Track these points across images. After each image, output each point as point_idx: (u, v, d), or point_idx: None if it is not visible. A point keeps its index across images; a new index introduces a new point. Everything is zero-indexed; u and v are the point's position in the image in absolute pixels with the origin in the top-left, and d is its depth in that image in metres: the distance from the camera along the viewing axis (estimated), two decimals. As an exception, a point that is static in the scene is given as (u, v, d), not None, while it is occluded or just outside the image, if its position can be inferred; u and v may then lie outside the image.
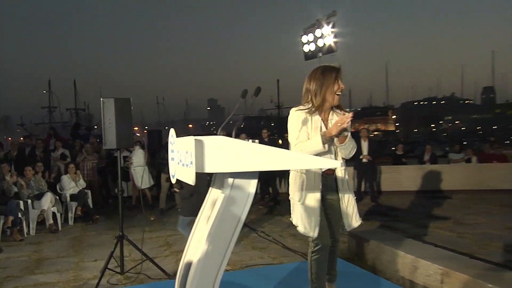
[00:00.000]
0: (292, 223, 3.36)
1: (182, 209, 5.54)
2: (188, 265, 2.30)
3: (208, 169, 1.95)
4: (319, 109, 3.20)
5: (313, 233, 3.21)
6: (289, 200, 3.37)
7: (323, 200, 3.26)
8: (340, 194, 3.33)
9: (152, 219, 8.44)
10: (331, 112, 3.30)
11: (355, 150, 3.24)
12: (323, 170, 3.21)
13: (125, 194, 10.37)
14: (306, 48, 8.06)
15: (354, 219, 3.36)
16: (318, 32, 7.77)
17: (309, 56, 8.00)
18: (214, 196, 2.31)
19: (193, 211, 5.48)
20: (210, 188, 2.42)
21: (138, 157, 9.64)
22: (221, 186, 2.21)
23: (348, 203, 3.34)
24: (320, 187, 3.22)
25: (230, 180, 2.10)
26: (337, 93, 3.17)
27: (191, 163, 1.92)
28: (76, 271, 5.43)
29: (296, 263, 5.18)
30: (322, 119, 3.24)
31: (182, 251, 6.11)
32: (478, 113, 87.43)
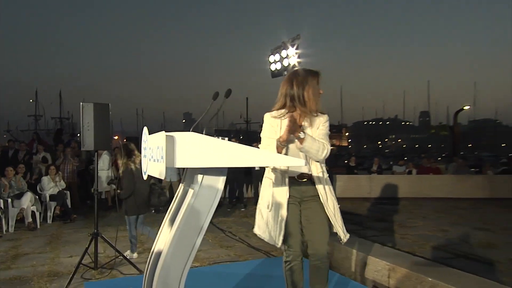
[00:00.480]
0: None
1: (126, 209, 5.37)
2: (157, 258, 2.13)
3: (178, 164, 1.79)
4: (302, 113, 2.72)
5: (278, 241, 2.69)
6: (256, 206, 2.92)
7: (293, 207, 2.73)
8: (322, 200, 2.70)
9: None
10: (308, 117, 2.74)
11: (326, 151, 2.60)
12: (297, 174, 2.72)
13: (102, 196, 10.10)
14: (273, 67, 8.08)
15: (342, 233, 2.79)
16: (284, 53, 7.84)
17: (275, 74, 8.01)
18: (184, 192, 2.16)
19: (136, 210, 5.35)
20: (180, 184, 2.26)
21: (103, 162, 9.44)
22: (190, 182, 2.07)
23: (335, 211, 2.75)
24: (288, 193, 2.70)
25: (200, 176, 1.96)
26: (318, 97, 2.76)
27: (162, 158, 1.77)
28: (51, 266, 5.16)
29: (259, 260, 5.12)
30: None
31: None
32: (416, 133, 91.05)
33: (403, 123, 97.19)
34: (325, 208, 2.70)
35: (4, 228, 7.06)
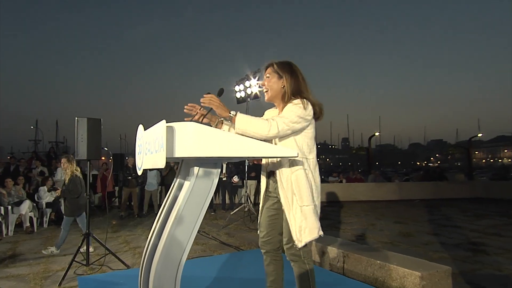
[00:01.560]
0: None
1: (70, 211, 4.95)
2: (153, 250, 1.75)
3: (178, 154, 1.44)
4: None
5: (259, 231, 2.22)
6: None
7: (269, 201, 2.18)
8: (282, 200, 2.01)
9: (113, 222, 7.57)
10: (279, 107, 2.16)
11: (269, 128, 1.80)
12: (270, 170, 2.13)
13: (92, 204, 9.32)
14: (238, 95, 7.88)
15: (304, 233, 1.92)
16: (247, 83, 7.69)
17: (240, 101, 7.83)
18: (179, 185, 1.80)
19: (74, 212, 4.89)
20: (175, 179, 1.88)
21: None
22: (186, 175, 1.72)
23: (294, 214, 1.95)
24: (265, 187, 2.19)
25: (196, 168, 1.62)
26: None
27: (162, 147, 1.43)
28: (46, 264, 4.51)
29: (230, 254, 4.79)
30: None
31: (139, 247, 5.46)
32: (339, 154, 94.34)
33: (330, 146, 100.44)
34: (284, 210, 2.01)
35: (4, 232, 6.28)
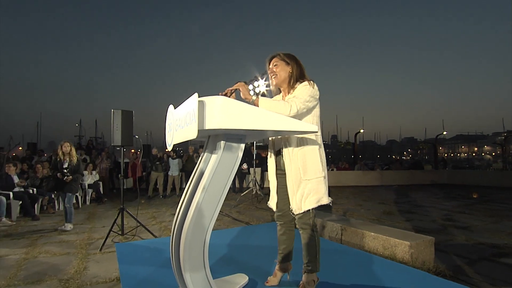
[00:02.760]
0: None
1: (72, 188, 4.67)
2: (182, 219, 1.61)
3: (208, 126, 1.28)
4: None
5: (272, 206, 2.09)
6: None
7: (280, 177, 2.03)
8: (287, 175, 1.92)
9: (142, 201, 7.49)
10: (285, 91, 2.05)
11: (289, 108, 1.70)
12: (278, 148, 2.00)
13: (125, 187, 9.25)
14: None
15: (302, 202, 1.86)
16: (256, 83, 7.48)
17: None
18: (207, 158, 1.65)
19: (77, 189, 4.71)
20: (203, 152, 1.72)
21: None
22: (213, 149, 1.58)
23: (295, 185, 1.87)
24: (274, 165, 2.04)
25: (223, 143, 1.48)
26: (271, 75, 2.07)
27: (194, 119, 1.27)
28: (89, 234, 4.46)
29: (241, 227, 4.68)
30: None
31: (164, 221, 5.37)
32: (329, 149, 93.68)
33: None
34: (287, 182, 1.92)
35: (56, 207, 6.27)
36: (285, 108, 1.70)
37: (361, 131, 18.59)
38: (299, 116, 1.80)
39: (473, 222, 5.15)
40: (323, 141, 1.97)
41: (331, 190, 9.97)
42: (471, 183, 11.74)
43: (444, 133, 21.77)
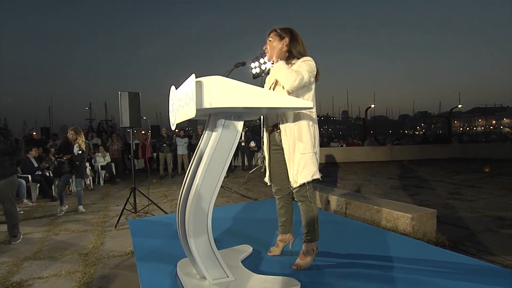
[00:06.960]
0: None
1: (81, 173, 4.76)
2: (187, 193, 1.72)
3: (206, 104, 1.34)
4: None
5: (268, 181, 2.14)
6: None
7: (274, 153, 2.06)
8: (285, 147, 1.91)
9: (153, 181, 7.74)
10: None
11: (298, 79, 1.74)
12: (273, 124, 2.01)
13: (137, 167, 9.54)
14: (254, 71, 7.60)
15: (298, 175, 1.87)
16: (261, 60, 7.42)
17: (255, 76, 7.55)
18: (208, 136, 1.72)
19: (83, 175, 4.82)
20: (204, 131, 1.78)
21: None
22: (214, 127, 1.64)
23: (290, 159, 1.90)
24: (268, 141, 2.08)
25: (222, 121, 1.55)
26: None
27: (192, 100, 1.34)
28: (104, 212, 4.74)
29: (247, 202, 4.84)
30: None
31: (175, 199, 5.60)
32: (340, 125, 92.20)
33: (332, 118, 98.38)
34: (285, 156, 1.93)
35: (71, 188, 6.53)
36: (293, 75, 1.74)
37: (372, 106, 18.31)
38: (301, 91, 1.82)
39: (481, 195, 5.14)
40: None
41: (340, 166, 10.08)
42: (485, 157, 11.54)
43: (460, 106, 21.15)
